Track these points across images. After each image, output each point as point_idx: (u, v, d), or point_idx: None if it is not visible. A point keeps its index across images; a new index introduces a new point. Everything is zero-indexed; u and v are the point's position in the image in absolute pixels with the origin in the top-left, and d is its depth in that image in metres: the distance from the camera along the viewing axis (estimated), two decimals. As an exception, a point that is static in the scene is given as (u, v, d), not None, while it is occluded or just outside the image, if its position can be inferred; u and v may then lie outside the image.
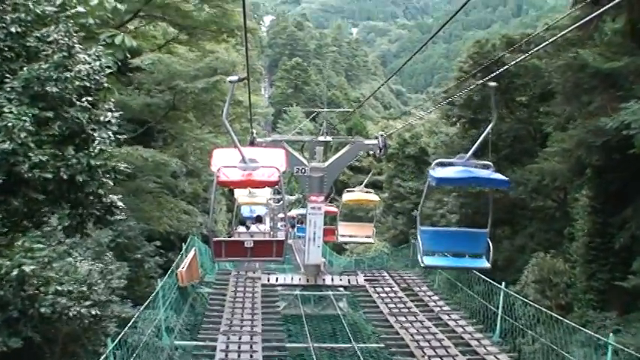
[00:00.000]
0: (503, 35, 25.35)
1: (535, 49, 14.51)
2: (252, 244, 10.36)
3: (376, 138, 17.69)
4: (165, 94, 21.75)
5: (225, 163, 9.86)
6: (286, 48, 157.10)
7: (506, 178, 10.07)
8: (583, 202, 19.21)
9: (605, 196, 17.70)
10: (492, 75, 12.38)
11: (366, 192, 21.36)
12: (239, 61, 24.01)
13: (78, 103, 11.95)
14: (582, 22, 7.97)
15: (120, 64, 17.59)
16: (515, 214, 23.81)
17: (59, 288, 10.40)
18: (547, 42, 10.08)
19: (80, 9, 15.70)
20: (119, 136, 13.37)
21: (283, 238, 11.33)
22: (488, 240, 10.54)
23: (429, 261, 10.57)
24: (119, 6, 16.88)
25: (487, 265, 10.54)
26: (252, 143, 16.51)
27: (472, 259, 10.69)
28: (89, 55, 12.51)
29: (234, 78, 9.62)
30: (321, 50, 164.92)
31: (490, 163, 10.11)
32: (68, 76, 11.63)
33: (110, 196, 12.83)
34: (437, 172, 9.91)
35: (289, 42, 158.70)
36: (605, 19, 16.56)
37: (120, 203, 13.08)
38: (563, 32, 9.90)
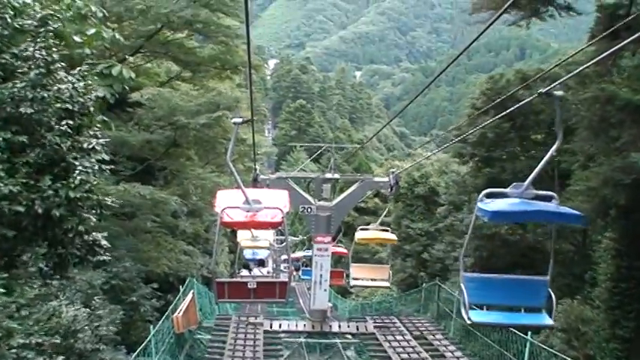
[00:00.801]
0: (518, 71, 24.66)
1: (556, 83, 13.59)
2: (255, 285, 10.07)
3: (388, 175, 16.78)
4: (165, 130, 20.96)
5: (228, 204, 9.78)
6: (290, 91, 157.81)
7: (580, 213, 8.11)
8: (606, 245, 18.09)
9: (630, 238, 16.58)
10: (508, 111, 11.34)
11: (382, 230, 19.82)
12: (243, 97, 23.29)
13: (57, 127, 10.90)
14: (604, 55, 6.96)
15: (117, 97, 16.75)
16: (532, 258, 22.70)
17: (25, 341, 9.01)
18: (566, 77, 8.76)
19: (76, 38, 15.05)
20: (104, 166, 12.21)
21: (287, 280, 10.89)
22: (550, 290, 8.47)
23: (476, 317, 8.39)
24: (117, 36, 16.13)
25: (550, 322, 8.44)
26: (255, 181, 15.63)
27: (529, 314, 8.58)
28: (72, 75, 11.44)
29: (238, 120, 9.65)
30: (324, 93, 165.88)
31: (554, 195, 8.29)
32: (46, 95, 10.63)
33: (93, 233, 11.65)
34: (490, 205, 7.88)
35: (293, 85, 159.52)
36: (622, 54, 15.78)
37: (104, 242, 11.92)
38: (584, 66, 8.60)
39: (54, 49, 11.31)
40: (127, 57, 21.21)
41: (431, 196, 36.69)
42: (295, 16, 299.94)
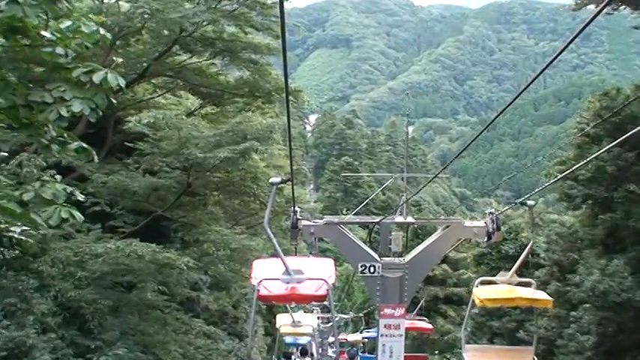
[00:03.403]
0: (638, 86, 21.33)
1: None
2: None
3: (485, 218, 13.09)
4: (175, 169, 18.06)
5: (266, 275, 9.91)
6: (334, 148, 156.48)
7: None
8: None
9: None
10: (627, 135, 8.59)
11: (523, 283, 13.40)
12: (277, 126, 20.28)
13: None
14: None
15: (103, 114, 13.72)
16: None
17: None
18: None
19: (45, 34, 12.24)
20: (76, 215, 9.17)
21: None
22: None
23: None
24: (103, 31, 13.14)
25: None
26: (294, 228, 12.35)
27: None
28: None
29: (276, 179, 10.08)
30: (373, 150, 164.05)
31: None
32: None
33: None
34: None
35: (337, 141, 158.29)
36: None
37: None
38: None
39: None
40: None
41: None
42: (338, 66, 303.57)
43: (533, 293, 12.88)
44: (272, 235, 10.03)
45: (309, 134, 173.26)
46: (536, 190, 13.68)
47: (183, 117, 18.68)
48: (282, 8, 4.88)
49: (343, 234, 13.00)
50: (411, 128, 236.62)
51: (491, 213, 13.02)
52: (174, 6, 18.33)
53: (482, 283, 13.55)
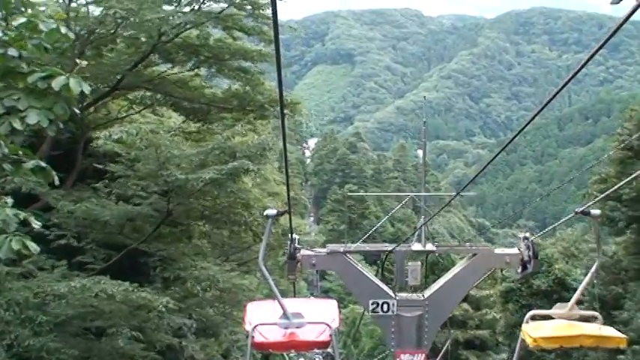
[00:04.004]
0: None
1: None
2: None
3: (519, 245, 12.32)
4: (153, 194, 17.49)
5: (261, 319, 9.91)
6: (336, 174, 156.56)
7: None
8: None
9: None
10: None
11: (586, 317, 11.98)
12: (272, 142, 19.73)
13: None
14: None
15: (63, 127, 13.19)
16: None
17: None
18: None
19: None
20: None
21: None
22: None
23: None
24: (64, 30, 12.56)
25: None
26: (292, 258, 11.72)
27: None
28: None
29: (272, 212, 10.15)
30: (380, 176, 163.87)
31: None
32: None
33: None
34: None
35: (340, 167, 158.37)
36: None
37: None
38: None
39: None
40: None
41: (559, 290, 32.21)
42: (340, 84, 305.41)
43: (600, 329, 11.86)
44: (267, 274, 9.91)
45: (309, 160, 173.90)
46: (574, 213, 12.79)
47: (161, 131, 18.06)
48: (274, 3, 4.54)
49: (350, 265, 12.34)
50: (420, 152, 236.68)
51: (526, 238, 12.31)
52: (151, 6, 17.91)
53: (534, 317, 12.44)
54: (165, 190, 17.67)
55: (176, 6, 18.94)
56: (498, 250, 12.87)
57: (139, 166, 17.75)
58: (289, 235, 12.11)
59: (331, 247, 12.70)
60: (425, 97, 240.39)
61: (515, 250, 12.50)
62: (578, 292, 12.53)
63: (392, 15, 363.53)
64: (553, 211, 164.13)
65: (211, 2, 19.93)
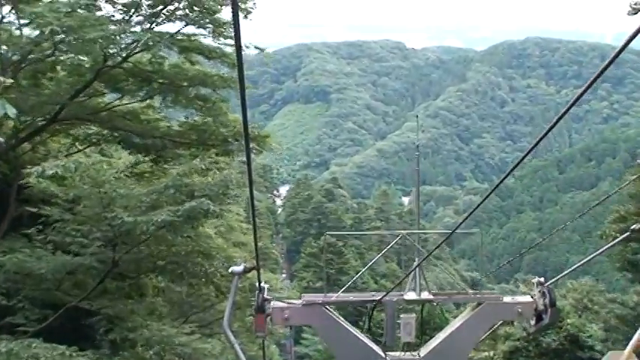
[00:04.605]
0: None
1: None
2: None
3: (532, 291, 11.72)
4: (95, 240, 16.81)
5: None
6: (311, 225, 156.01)
7: None
8: None
9: None
10: None
11: None
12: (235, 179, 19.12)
13: None
14: None
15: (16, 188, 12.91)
16: None
17: None
18: None
19: None
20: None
21: None
22: None
23: None
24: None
25: None
26: (260, 311, 10.94)
27: None
28: None
29: (238, 268, 10.14)
30: (361, 226, 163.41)
31: None
32: None
33: None
34: None
35: (316, 217, 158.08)
36: None
37: None
38: None
39: None
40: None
41: (571, 349, 31.85)
42: (314, 124, 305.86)
43: None
44: (233, 338, 9.91)
45: (280, 210, 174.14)
46: (591, 256, 12.23)
47: (104, 166, 17.38)
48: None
49: (331, 319, 11.64)
50: (406, 199, 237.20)
51: (540, 283, 11.67)
52: (94, 24, 17.35)
53: None
54: (110, 236, 17.00)
55: (124, 25, 18.37)
56: (508, 299, 12.22)
57: (79, 209, 17.12)
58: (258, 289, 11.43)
59: (308, 297, 11.99)
60: (422, 125, 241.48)
61: (528, 298, 11.89)
62: (636, 337, 12.07)
63: (371, 48, 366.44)
64: (555, 262, 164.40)
65: (165, 21, 19.43)
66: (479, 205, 9.96)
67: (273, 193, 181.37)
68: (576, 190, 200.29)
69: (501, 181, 8.83)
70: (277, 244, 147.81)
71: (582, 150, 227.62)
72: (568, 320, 31.68)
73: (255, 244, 9.75)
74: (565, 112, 5.65)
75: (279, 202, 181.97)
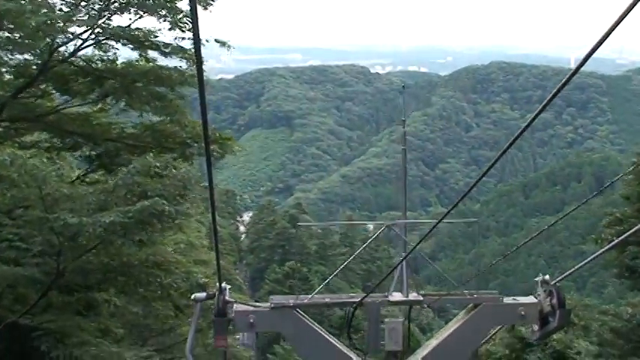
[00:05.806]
0: None
1: None
2: None
3: (537, 292, 10.41)
4: (34, 244, 15.37)
5: None
6: (275, 252, 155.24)
7: None
8: None
9: None
10: None
11: None
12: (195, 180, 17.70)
13: None
14: None
15: None
16: None
17: None
18: None
19: None
20: None
21: None
22: None
23: None
24: None
25: None
26: (221, 315, 9.67)
27: None
28: None
29: (200, 295, 9.91)
30: (325, 252, 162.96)
31: None
32: None
33: None
34: None
35: (280, 243, 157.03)
36: None
37: None
38: None
39: None
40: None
41: None
42: (278, 150, 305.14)
43: None
44: None
45: (243, 236, 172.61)
46: (590, 258, 10.96)
47: (44, 159, 15.87)
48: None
49: (304, 324, 10.34)
50: (370, 225, 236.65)
51: (545, 282, 10.33)
52: (36, 10, 15.93)
53: None
54: (54, 242, 15.42)
55: (72, 10, 16.98)
56: (509, 300, 10.85)
57: (18, 212, 15.43)
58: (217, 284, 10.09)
59: (277, 299, 10.59)
60: (386, 151, 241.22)
61: (531, 299, 10.55)
62: None
63: (335, 72, 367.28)
64: (520, 288, 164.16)
65: (118, 12, 18.09)
66: (421, 241, 10.68)
67: (236, 220, 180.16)
68: (541, 215, 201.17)
69: (454, 206, 7.80)
70: (241, 270, 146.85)
71: (547, 174, 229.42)
72: (554, 336, 30.62)
73: (216, 243, 9.61)
74: (512, 143, 6.10)
75: (242, 228, 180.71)
